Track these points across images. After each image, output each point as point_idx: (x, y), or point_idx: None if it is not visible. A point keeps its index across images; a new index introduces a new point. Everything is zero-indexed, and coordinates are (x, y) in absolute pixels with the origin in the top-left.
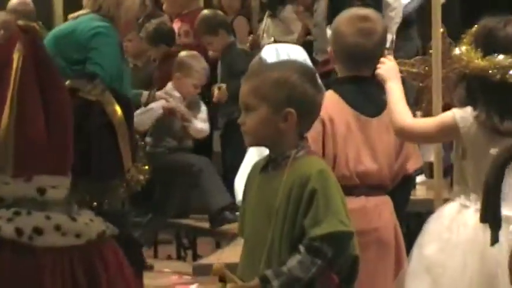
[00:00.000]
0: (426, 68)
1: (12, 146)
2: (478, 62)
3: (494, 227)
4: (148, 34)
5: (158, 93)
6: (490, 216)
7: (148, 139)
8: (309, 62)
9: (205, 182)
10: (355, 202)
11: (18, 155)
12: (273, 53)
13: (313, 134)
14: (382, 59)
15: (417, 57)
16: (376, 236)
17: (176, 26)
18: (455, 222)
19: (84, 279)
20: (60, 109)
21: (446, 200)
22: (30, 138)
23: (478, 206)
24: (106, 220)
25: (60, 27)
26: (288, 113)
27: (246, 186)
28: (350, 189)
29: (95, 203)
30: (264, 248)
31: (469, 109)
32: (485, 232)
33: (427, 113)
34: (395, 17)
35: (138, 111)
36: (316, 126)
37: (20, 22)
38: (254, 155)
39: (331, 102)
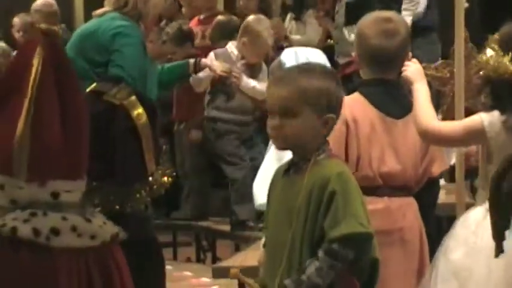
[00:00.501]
0: (449, 72)
1: (28, 150)
2: (508, 66)
3: (498, 238)
4: (173, 35)
5: (203, 60)
6: (493, 227)
7: (207, 97)
8: (328, 65)
9: (235, 192)
10: (378, 202)
11: (33, 159)
12: (292, 56)
13: (337, 134)
14: (407, 62)
15: (441, 61)
16: (401, 235)
17: (196, 28)
18: (480, 227)
19: (99, 280)
20: (77, 112)
21: (468, 205)
22: (46, 142)
23: None
24: (128, 223)
25: (83, 27)
26: (328, 119)
27: (269, 190)
28: (373, 190)
29: (117, 206)
30: (285, 250)
31: (496, 113)
32: (510, 238)
33: (447, 117)
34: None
35: (191, 80)
36: (340, 127)
37: (42, 25)
38: (273, 158)
39: (356, 104)
